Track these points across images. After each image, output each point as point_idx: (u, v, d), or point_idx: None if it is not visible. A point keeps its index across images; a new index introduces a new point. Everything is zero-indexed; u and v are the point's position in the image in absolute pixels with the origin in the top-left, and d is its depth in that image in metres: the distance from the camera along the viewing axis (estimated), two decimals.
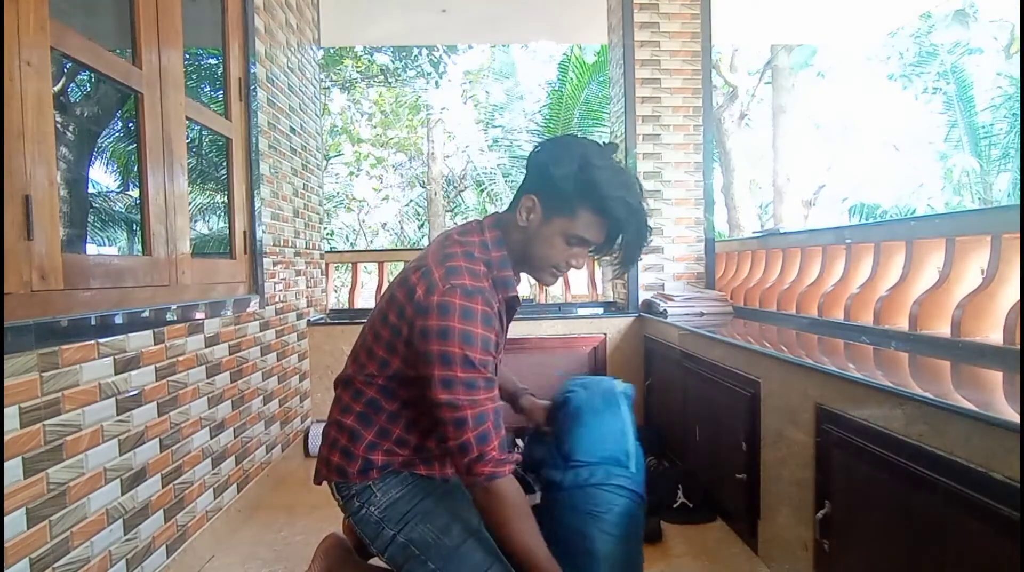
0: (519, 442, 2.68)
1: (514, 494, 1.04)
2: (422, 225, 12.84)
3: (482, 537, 1.13)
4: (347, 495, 1.17)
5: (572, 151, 1.09)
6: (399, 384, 1.12)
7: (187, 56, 1.82)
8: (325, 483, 1.21)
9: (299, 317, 2.83)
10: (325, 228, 3.96)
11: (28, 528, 1.12)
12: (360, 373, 1.16)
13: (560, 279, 1.27)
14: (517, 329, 2.92)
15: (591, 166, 1.06)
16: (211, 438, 1.89)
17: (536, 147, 1.15)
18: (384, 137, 11.93)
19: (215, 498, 1.92)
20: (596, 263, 4.42)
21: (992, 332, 1.55)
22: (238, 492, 2.10)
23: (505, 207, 1.21)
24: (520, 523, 1.04)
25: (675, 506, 2.06)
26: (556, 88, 8.78)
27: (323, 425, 1.25)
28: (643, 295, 3.07)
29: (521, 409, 1.45)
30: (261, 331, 2.34)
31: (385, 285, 4.49)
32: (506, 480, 1.03)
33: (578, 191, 1.06)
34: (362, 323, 1.27)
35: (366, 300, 6.54)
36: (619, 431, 1.33)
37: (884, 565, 1.21)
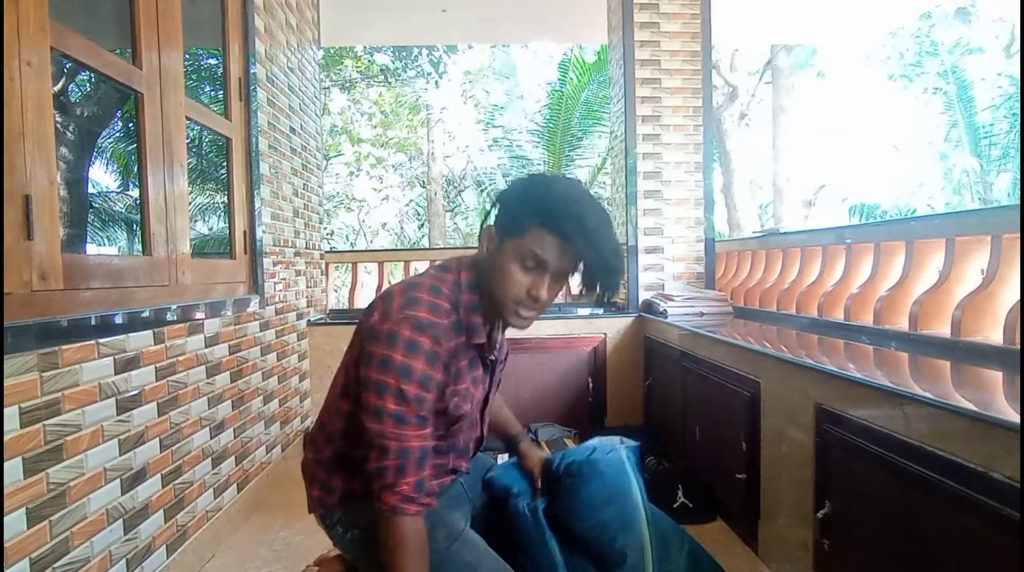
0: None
1: (412, 535, 0.99)
2: (422, 225, 12.84)
3: (468, 539, 1.11)
4: (331, 523, 1.17)
5: (526, 177, 1.05)
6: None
7: (187, 56, 1.82)
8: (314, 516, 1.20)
9: (299, 317, 2.83)
10: (325, 228, 3.96)
11: (28, 528, 1.12)
12: (329, 416, 1.15)
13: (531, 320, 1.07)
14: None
15: (541, 180, 1.02)
16: (211, 438, 1.89)
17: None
18: (384, 137, 11.93)
19: (215, 498, 1.92)
20: None
21: (992, 332, 1.55)
22: (238, 492, 2.10)
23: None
24: (408, 563, 0.98)
25: (675, 506, 2.06)
26: (556, 88, 8.77)
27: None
28: (643, 295, 3.07)
29: (518, 453, 1.36)
30: (261, 331, 2.34)
31: (385, 285, 4.49)
32: (408, 519, 0.98)
33: (527, 206, 0.99)
34: None
35: (366, 300, 6.53)
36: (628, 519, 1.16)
37: (884, 565, 1.21)
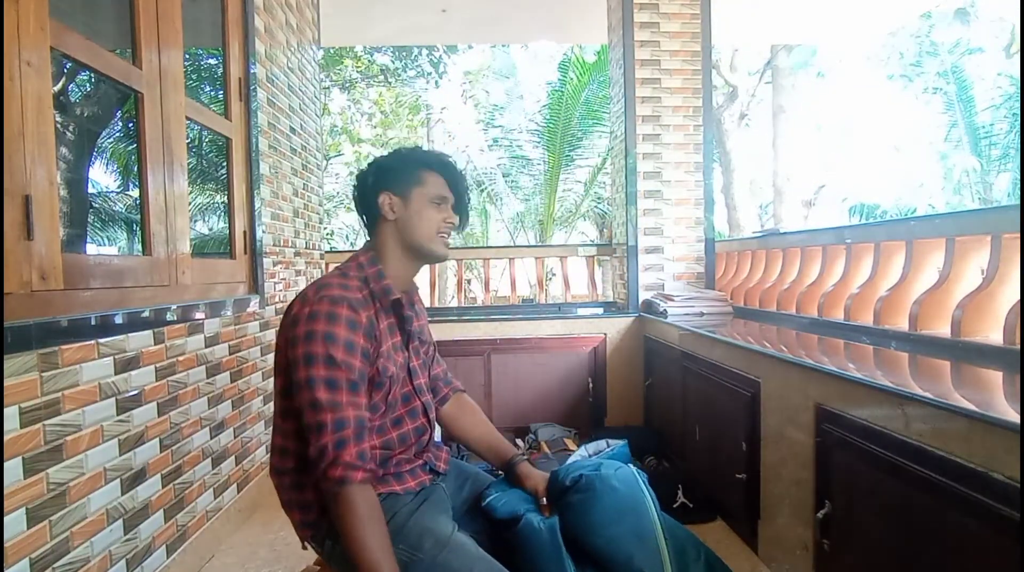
0: (519, 442, 2.68)
1: (364, 504, 1.01)
2: None
3: (456, 544, 1.10)
4: (318, 539, 1.17)
5: (388, 153, 1.28)
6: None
7: (187, 56, 1.82)
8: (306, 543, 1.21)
9: None
10: (325, 228, 3.96)
11: (28, 528, 1.12)
12: (280, 438, 1.16)
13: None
14: (517, 329, 2.92)
15: (400, 148, 1.27)
16: (211, 438, 1.89)
17: (358, 175, 1.28)
18: (384, 137, 11.93)
19: (215, 498, 1.92)
20: (596, 263, 4.42)
21: (992, 332, 1.55)
22: (238, 492, 2.09)
23: (366, 245, 1.27)
24: (366, 533, 1.00)
25: (675, 506, 2.06)
26: (556, 88, 8.76)
27: None
28: (643, 295, 3.07)
29: (516, 477, 1.31)
30: (261, 331, 2.34)
31: None
32: (356, 487, 1.00)
33: (411, 163, 1.23)
34: None
35: None
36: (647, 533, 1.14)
37: (884, 565, 1.21)
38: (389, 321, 1.20)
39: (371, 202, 1.22)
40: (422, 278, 4.23)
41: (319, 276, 3.21)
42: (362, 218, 1.27)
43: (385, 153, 1.30)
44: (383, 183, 1.22)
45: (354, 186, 1.26)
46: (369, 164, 1.27)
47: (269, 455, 1.22)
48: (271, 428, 1.27)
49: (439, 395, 1.36)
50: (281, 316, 1.19)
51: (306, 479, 1.13)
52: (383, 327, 1.17)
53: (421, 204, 1.21)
